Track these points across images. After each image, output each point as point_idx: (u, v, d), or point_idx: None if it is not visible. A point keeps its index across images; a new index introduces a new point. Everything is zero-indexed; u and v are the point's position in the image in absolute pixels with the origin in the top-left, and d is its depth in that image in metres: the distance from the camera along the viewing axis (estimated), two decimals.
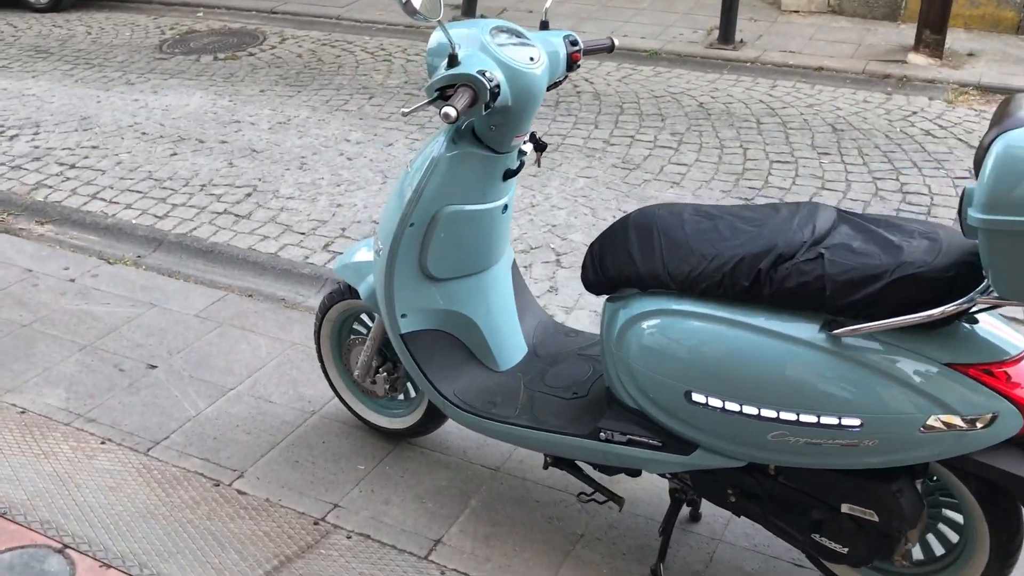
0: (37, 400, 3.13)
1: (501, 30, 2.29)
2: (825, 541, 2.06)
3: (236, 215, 4.45)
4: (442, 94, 2.14)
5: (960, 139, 4.99)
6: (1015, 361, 1.83)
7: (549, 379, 2.52)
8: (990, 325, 1.88)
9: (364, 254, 2.71)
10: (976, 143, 4.87)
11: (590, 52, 2.48)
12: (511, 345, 2.59)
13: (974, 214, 1.63)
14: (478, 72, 2.11)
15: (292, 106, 5.76)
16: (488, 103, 2.13)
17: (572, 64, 2.39)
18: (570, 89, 5.86)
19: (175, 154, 5.12)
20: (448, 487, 2.77)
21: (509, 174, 2.41)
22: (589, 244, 2.31)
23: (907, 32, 6.64)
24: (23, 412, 3.07)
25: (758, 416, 1.95)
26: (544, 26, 2.44)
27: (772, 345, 1.93)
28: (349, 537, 2.59)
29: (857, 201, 4.34)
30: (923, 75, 5.89)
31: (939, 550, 2.18)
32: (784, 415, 1.92)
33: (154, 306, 3.69)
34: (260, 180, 4.78)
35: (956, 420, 1.81)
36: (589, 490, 2.44)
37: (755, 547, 2.52)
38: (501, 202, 2.43)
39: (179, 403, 3.14)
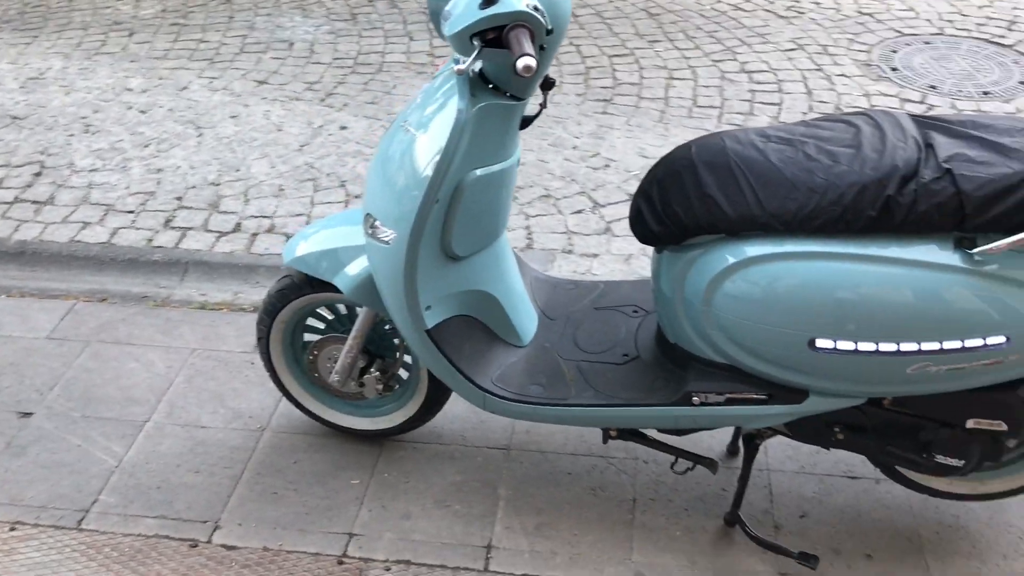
0: None
1: None
2: (941, 458, 2.01)
3: (34, 202, 3.62)
4: (480, 38, 1.74)
5: (767, 9, 5.09)
6: None
7: (583, 344, 2.24)
8: None
9: (329, 239, 2.24)
10: (779, 11, 4.99)
11: None
12: (526, 315, 2.28)
13: None
14: (531, 7, 1.72)
15: (36, 56, 4.76)
16: (543, 44, 1.75)
17: None
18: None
19: None
20: (465, 481, 2.44)
21: (526, 122, 2.05)
22: (637, 190, 2.03)
23: None
24: None
25: (896, 352, 1.82)
26: None
27: (907, 274, 1.78)
28: (388, 569, 2.22)
29: (709, 87, 4.30)
30: None
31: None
32: (926, 346, 1.80)
33: None
34: (43, 154, 3.92)
35: None
36: (681, 466, 2.23)
37: (803, 469, 2.46)
38: (518, 154, 2.07)
39: (87, 454, 2.52)
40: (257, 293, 3.15)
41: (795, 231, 1.83)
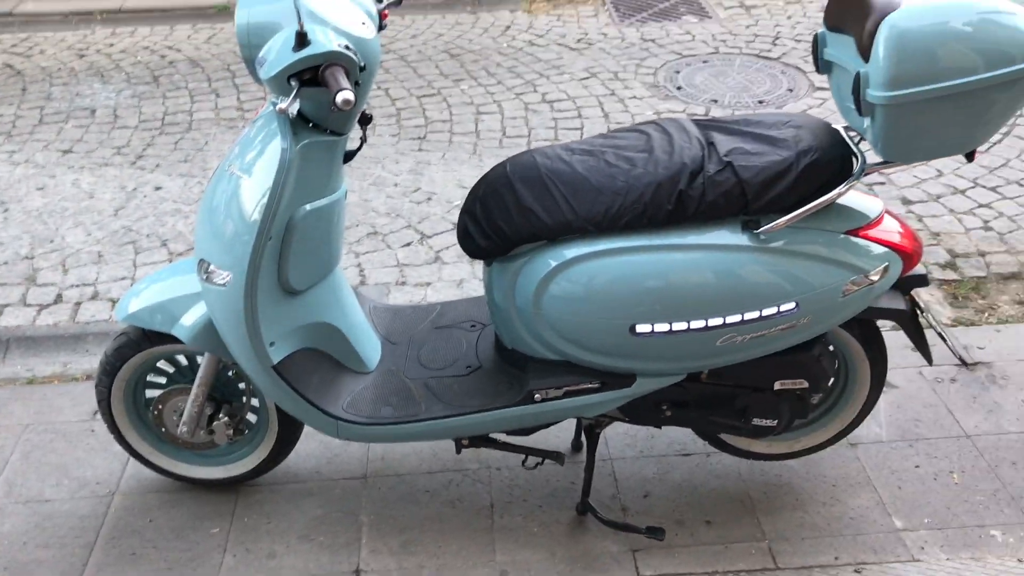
0: None
1: None
2: (758, 421, 2.24)
3: None
4: (297, 78, 1.84)
5: (559, 43, 5.42)
6: (880, 220, 2.12)
7: (427, 363, 2.35)
8: (852, 193, 2.13)
9: (162, 291, 2.26)
10: (570, 44, 5.33)
11: (388, 7, 2.27)
12: (369, 342, 2.37)
13: (877, 93, 1.83)
14: (342, 46, 1.83)
15: None
16: (357, 80, 1.87)
17: (382, 23, 2.17)
18: (159, 61, 5.26)
19: None
20: (327, 514, 2.49)
21: (349, 156, 2.16)
22: (461, 210, 2.17)
23: None
24: None
25: (705, 327, 2.03)
26: None
27: (705, 258, 2.01)
28: None
29: (515, 118, 4.54)
30: None
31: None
32: (730, 319, 2.03)
33: None
34: None
35: (863, 278, 2.06)
36: (532, 462, 2.37)
37: (642, 454, 2.65)
38: (344, 187, 2.17)
39: None
40: (88, 361, 3.08)
41: (606, 231, 2.02)
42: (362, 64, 1.88)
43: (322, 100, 1.93)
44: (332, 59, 1.82)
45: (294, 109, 1.92)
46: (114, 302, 3.33)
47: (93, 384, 2.86)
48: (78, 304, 3.34)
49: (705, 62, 5.13)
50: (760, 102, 4.65)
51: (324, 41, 1.83)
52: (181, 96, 4.83)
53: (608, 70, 5.04)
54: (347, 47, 1.85)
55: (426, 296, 3.31)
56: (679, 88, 4.82)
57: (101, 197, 3.95)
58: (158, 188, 4.00)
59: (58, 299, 3.36)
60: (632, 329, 2.05)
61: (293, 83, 1.84)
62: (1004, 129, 4.26)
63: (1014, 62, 1.82)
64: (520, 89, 4.84)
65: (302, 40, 1.82)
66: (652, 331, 2.04)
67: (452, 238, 3.61)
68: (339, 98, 1.74)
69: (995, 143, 4.15)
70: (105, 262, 3.54)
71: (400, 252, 3.56)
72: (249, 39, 1.95)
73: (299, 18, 1.81)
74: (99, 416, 2.81)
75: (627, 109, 4.60)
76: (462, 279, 3.41)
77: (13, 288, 3.41)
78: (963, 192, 3.84)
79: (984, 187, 3.87)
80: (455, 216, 3.73)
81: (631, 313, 2.04)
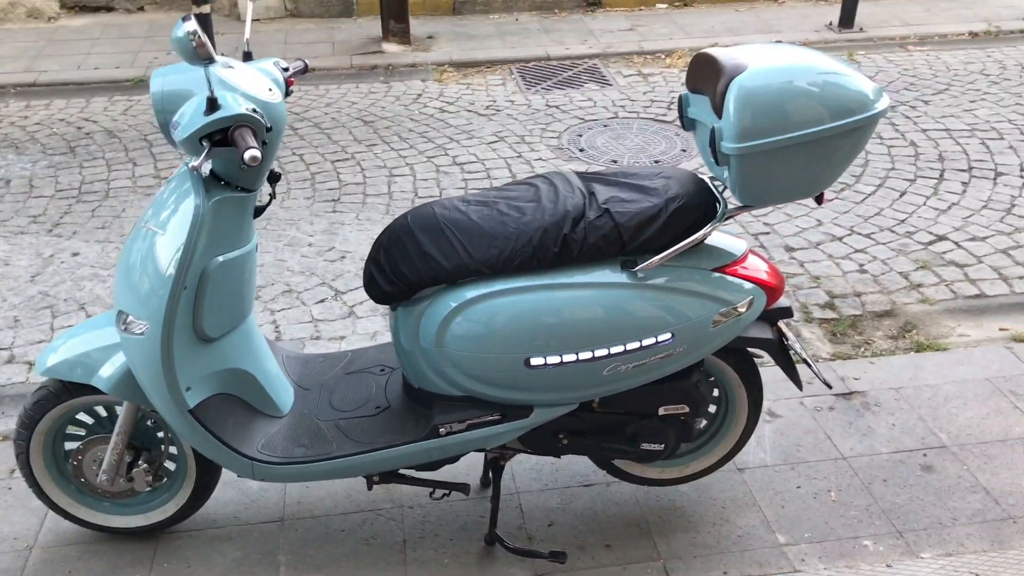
0: None
1: (222, 65, 2.18)
2: (646, 445, 2.44)
3: None
4: (208, 139, 2.01)
5: (469, 110, 5.68)
6: (744, 258, 2.36)
7: (338, 405, 2.50)
8: (718, 235, 2.37)
9: (80, 344, 2.37)
10: (479, 110, 5.60)
11: (294, 75, 2.46)
12: (282, 388, 2.50)
13: (729, 145, 2.07)
14: (249, 109, 2.01)
15: None
16: (265, 139, 2.05)
17: (289, 89, 2.36)
18: (75, 132, 5.35)
19: None
20: (246, 556, 2.59)
21: (259, 211, 2.32)
22: (367, 258, 2.35)
23: (367, 25, 7.22)
24: None
25: (592, 358, 2.23)
26: (248, 56, 2.35)
27: (589, 294, 2.22)
28: None
29: (427, 180, 4.75)
30: (403, 61, 6.50)
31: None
32: (614, 349, 2.23)
33: None
34: None
35: (731, 310, 2.29)
36: (439, 493, 2.51)
37: (546, 486, 2.82)
38: (255, 240, 2.33)
39: None
40: (4, 423, 3.13)
41: (500, 272, 2.22)
42: (268, 125, 2.06)
43: (232, 159, 2.10)
44: (240, 121, 2.00)
45: (206, 168, 2.09)
46: (31, 364, 3.38)
47: (11, 441, 2.94)
48: None
49: (606, 126, 5.44)
50: (656, 161, 4.96)
51: (233, 105, 2.01)
52: (98, 166, 4.93)
53: (515, 134, 5.31)
54: (254, 110, 2.03)
55: (340, 349, 3.45)
56: (581, 150, 5.11)
57: (17, 264, 4.01)
58: (75, 254, 4.08)
59: None
60: (527, 362, 2.23)
61: (204, 143, 2.01)
62: (877, 181, 4.63)
63: (853, 113, 2.09)
64: (431, 153, 5.07)
65: (212, 105, 2.00)
66: (545, 363, 2.23)
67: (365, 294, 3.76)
68: (247, 155, 1.91)
69: (869, 195, 4.51)
70: (22, 326, 3.60)
71: (315, 308, 3.70)
72: (164, 105, 2.12)
73: (209, 86, 1.99)
74: (15, 475, 2.86)
75: (533, 170, 4.86)
76: (376, 331, 3.56)
77: None
78: (840, 239, 4.16)
79: (859, 234, 4.20)
80: None
81: (525, 347, 2.22)
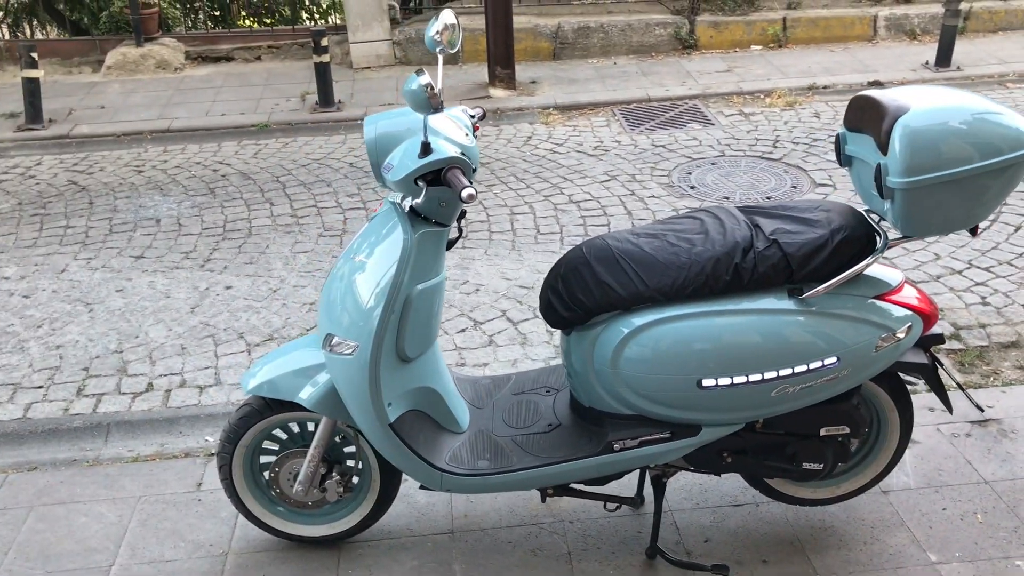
0: None
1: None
2: (807, 465, 2.58)
3: None
4: (422, 180, 2.24)
5: (578, 151, 5.91)
6: (901, 287, 2.50)
7: (511, 423, 2.69)
8: (876, 266, 2.52)
9: (282, 366, 2.60)
10: (588, 151, 5.81)
11: (478, 122, 2.69)
12: (460, 406, 2.71)
13: (896, 179, 2.23)
14: (459, 152, 2.25)
15: None
16: (471, 179, 2.28)
17: (475, 134, 2.59)
18: (212, 175, 5.72)
19: None
20: (423, 564, 2.78)
21: (450, 245, 2.55)
22: (543, 286, 2.55)
23: (472, 71, 7.53)
24: None
25: (762, 380, 2.39)
26: (440, 106, 2.58)
27: (759, 320, 2.38)
28: None
29: (547, 217, 4.98)
30: (510, 105, 6.78)
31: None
32: (783, 372, 2.38)
33: None
34: None
35: (891, 335, 2.43)
36: (612, 505, 2.69)
37: (698, 505, 2.96)
38: (445, 271, 2.55)
39: None
40: (183, 442, 3.39)
41: (673, 300, 2.40)
42: (475, 167, 2.29)
43: (433, 197, 2.34)
44: (452, 163, 2.23)
45: (407, 204, 2.32)
46: (201, 389, 3.66)
47: (195, 459, 3.21)
48: (168, 391, 3.67)
49: (713, 164, 5.61)
50: (768, 198, 5.11)
51: (445, 149, 2.24)
52: (238, 205, 5.27)
53: (626, 173, 5.51)
54: (462, 153, 2.26)
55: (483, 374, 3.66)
56: (692, 187, 5.28)
57: (176, 296, 4.32)
58: (228, 287, 4.38)
59: (149, 387, 3.70)
60: (699, 383, 2.40)
61: (420, 184, 2.24)
62: (992, 216, 4.70)
63: (1001, 153, 2.24)
64: (548, 192, 5.30)
65: (426, 149, 2.23)
66: (716, 384, 2.39)
67: (502, 323, 3.98)
68: (464, 193, 2.14)
69: (984, 229, 4.59)
70: (188, 354, 3.89)
71: (457, 338, 3.92)
72: (376, 148, 2.37)
73: (425, 132, 2.23)
74: (202, 487, 3.12)
75: (647, 207, 5.05)
76: (516, 359, 3.76)
77: (107, 379, 3.75)
78: (960, 272, 4.25)
79: (978, 267, 4.28)
80: (502, 304, 4.11)
81: (697, 369, 2.39)
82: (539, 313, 2.57)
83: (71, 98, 7.25)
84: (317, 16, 11.69)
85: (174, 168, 5.87)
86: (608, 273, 2.44)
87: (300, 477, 2.67)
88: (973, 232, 2.42)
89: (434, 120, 2.36)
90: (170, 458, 3.31)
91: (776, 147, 5.80)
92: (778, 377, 2.39)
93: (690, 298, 2.40)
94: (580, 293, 2.46)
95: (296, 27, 9.13)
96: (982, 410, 2.76)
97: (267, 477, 2.75)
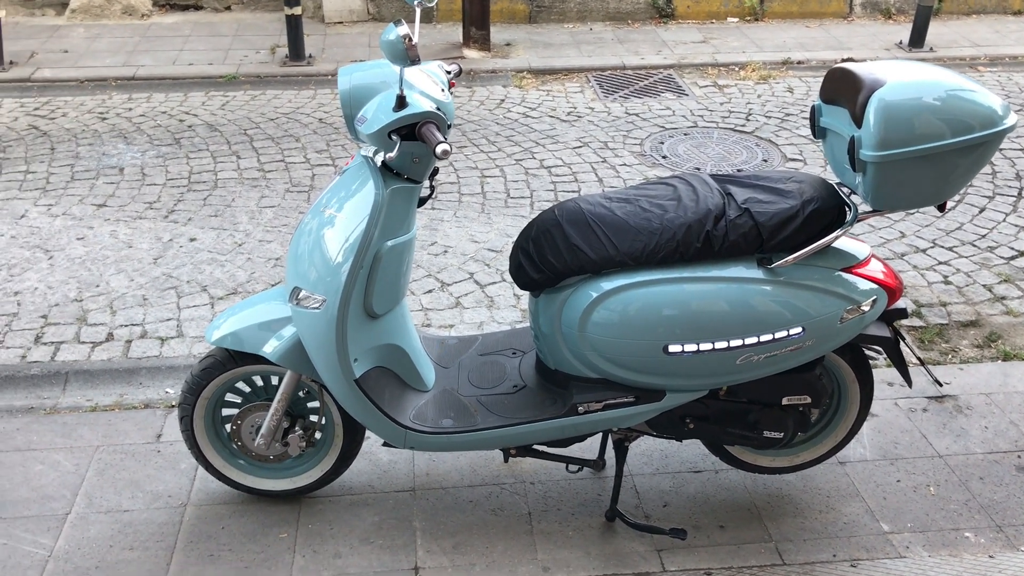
0: None
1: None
2: (768, 433, 2.61)
3: None
4: (396, 134, 2.21)
5: (551, 115, 5.88)
6: (868, 260, 2.53)
7: (477, 383, 2.69)
8: (844, 239, 2.53)
9: (248, 318, 2.57)
10: (561, 116, 5.79)
11: (453, 78, 2.65)
12: (426, 365, 2.70)
13: (869, 152, 2.24)
14: (434, 107, 2.21)
15: None
16: (445, 135, 2.25)
17: (450, 90, 2.55)
18: (178, 125, 5.62)
19: None
20: (383, 521, 2.78)
21: (421, 202, 2.52)
22: (513, 247, 2.54)
23: (446, 31, 7.45)
24: None
25: (728, 348, 2.40)
26: (416, 59, 2.54)
27: (728, 288, 2.39)
28: None
29: (517, 181, 4.95)
30: (484, 67, 6.71)
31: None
32: (748, 340, 2.40)
33: None
34: None
35: (857, 308, 2.45)
36: (573, 467, 2.70)
37: (658, 471, 2.99)
38: (415, 228, 2.53)
39: (16, 550, 2.65)
40: (143, 393, 3.36)
41: (643, 265, 2.40)
42: (450, 122, 2.26)
43: (406, 152, 2.31)
44: (427, 118, 2.20)
45: (379, 159, 2.29)
46: (163, 340, 3.62)
47: (155, 410, 3.18)
48: (128, 342, 3.62)
49: (686, 134, 5.61)
50: (739, 170, 5.12)
51: (420, 103, 2.21)
52: (203, 157, 5.18)
53: (598, 140, 5.49)
54: (437, 108, 2.23)
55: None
56: (664, 157, 5.28)
57: (139, 247, 4.25)
58: (192, 239, 4.32)
59: (109, 337, 3.64)
60: (665, 349, 2.41)
61: (394, 137, 2.21)
62: (957, 196, 4.76)
63: (972, 131, 2.25)
64: (519, 156, 5.27)
65: (401, 102, 2.20)
66: (682, 350, 2.41)
67: (470, 286, 3.97)
68: (438, 149, 2.11)
69: (950, 209, 4.65)
70: (150, 305, 3.83)
71: (424, 298, 3.90)
72: (350, 101, 2.33)
73: (401, 85, 2.19)
74: (162, 439, 3.09)
75: (619, 175, 5.04)
76: (482, 322, 3.75)
77: (67, 327, 3.69)
78: (924, 251, 4.30)
79: (942, 247, 4.34)
80: (470, 266, 4.10)
81: (664, 335, 2.40)
82: (508, 276, 2.57)
83: (33, 40, 7.07)
84: None
85: (139, 117, 5.75)
86: (579, 236, 2.43)
87: (262, 430, 2.65)
88: (941, 208, 2.45)
89: (410, 74, 2.32)
90: (130, 408, 3.27)
91: (749, 120, 5.81)
92: (744, 345, 2.41)
93: (660, 264, 2.40)
94: (551, 255, 2.45)
95: None
96: (941, 385, 2.80)
97: (229, 430, 2.73)
